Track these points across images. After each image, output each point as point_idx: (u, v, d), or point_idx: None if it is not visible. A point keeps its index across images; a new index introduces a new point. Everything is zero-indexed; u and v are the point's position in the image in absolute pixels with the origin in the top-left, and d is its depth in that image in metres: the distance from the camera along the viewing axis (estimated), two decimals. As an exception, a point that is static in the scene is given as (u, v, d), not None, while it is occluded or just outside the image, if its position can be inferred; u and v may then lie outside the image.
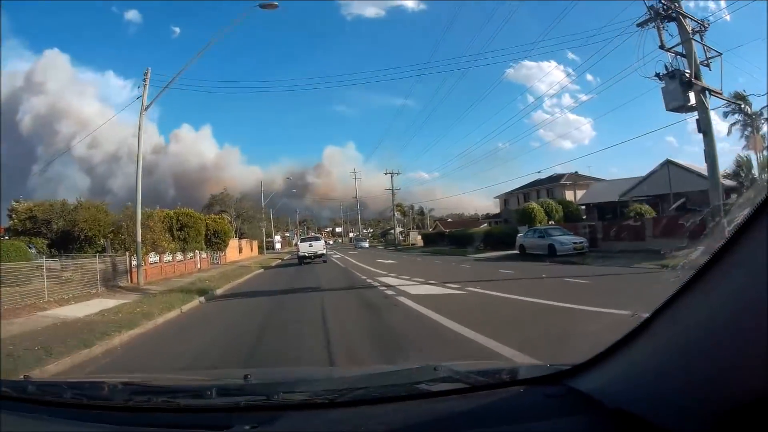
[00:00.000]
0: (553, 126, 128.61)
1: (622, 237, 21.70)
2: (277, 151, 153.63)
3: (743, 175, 28.36)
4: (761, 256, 0.69)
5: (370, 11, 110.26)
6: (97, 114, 71.35)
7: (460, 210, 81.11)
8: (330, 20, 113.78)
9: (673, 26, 14.56)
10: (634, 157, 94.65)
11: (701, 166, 27.36)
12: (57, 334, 7.59)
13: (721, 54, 14.84)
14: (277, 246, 59.44)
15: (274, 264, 29.14)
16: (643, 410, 0.89)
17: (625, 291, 7.93)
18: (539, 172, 46.36)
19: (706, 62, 14.77)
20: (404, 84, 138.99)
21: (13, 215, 24.12)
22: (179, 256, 23.28)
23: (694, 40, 14.69)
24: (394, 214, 58.08)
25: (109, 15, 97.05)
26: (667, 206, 25.85)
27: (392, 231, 62.59)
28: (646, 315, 0.93)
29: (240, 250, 40.60)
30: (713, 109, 14.54)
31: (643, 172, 30.53)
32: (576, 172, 41.45)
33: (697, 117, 14.41)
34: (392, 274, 14.75)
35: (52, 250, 20.58)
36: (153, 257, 19.62)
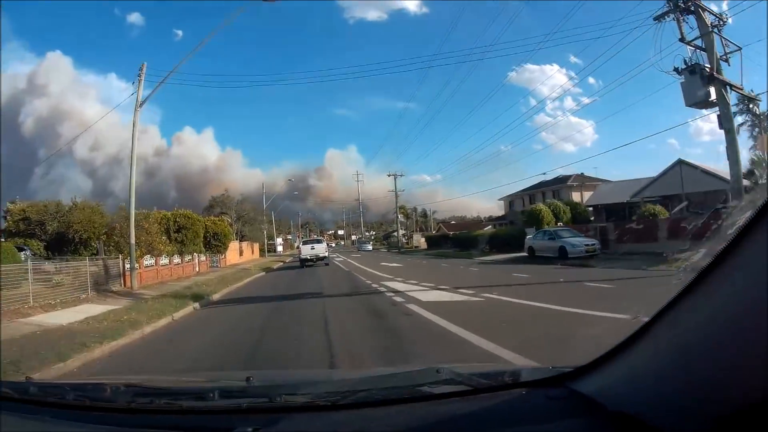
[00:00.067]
0: (556, 129, 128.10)
1: (635, 239, 21.00)
2: (278, 154, 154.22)
3: (758, 174, 27.61)
4: (762, 258, 0.69)
5: (372, 14, 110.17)
6: (98, 116, 71.07)
7: (462, 212, 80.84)
8: (332, 24, 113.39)
9: (690, 22, 14.04)
10: (637, 160, 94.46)
11: (710, 166, 26.83)
12: (33, 345, 6.91)
13: (741, 49, 14.22)
14: (279, 248, 58.92)
15: (275, 267, 28.44)
16: (644, 412, 0.89)
17: (658, 296, 7.10)
18: (544, 173, 45.93)
19: (725, 57, 14.13)
20: (406, 87, 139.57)
21: (8, 217, 23.56)
22: (177, 259, 22.52)
23: (715, 33, 14.07)
24: (397, 217, 57.33)
25: (111, 17, 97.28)
26: (681, 207, 25.16)
27: (395, 233, 61.89)
28: (645, 319, 0.93)
29: (241, 253, 39.89)
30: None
31: (645, 175, 30.14)
32: (582, 173, 40.87)
33: (717, 113, 13.84)
34: (398, 278, 13.93)
35: (48, 253, 20.10)
36: (148, 260, 18.85)
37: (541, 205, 31.44)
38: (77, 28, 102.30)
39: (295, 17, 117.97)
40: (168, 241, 21.21)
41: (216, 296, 13.14)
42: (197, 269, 25.13)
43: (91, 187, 72.56)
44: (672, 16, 14.23)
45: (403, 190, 55.31)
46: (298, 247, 33.51)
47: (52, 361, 5.78)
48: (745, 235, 0.73)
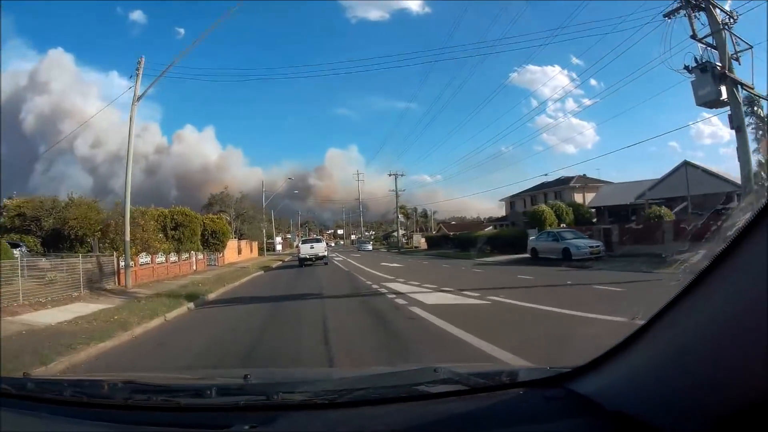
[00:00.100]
0: (557, 130, 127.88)
1: (640, 240, 20.69)
2: (279, 153, 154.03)
3: (764, 176, 27.36)
4: (761, 260, 0.69)
5: (374, 14, 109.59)
6: (100, 114, 70.65)
7: (462, 213, 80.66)
8: (334, 23, 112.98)
9: (700, 19, 13.74)
10: (637, 163, 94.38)
11: (713, 168, 26.55)
12: (15, 345, 6.55)
13: (752, 47, 13.90)
14: (278, 247, 58.57)
15: (274, 266, 28.02)
16: (643, 412, 0.89)
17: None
18: (546, 174, 45.58)
19: (735, 56, 13.80)
20: (407, 87, 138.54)
21: (3, 213, 23.21)
22: (173, 257, 22.11)
23: (727, 30, 13.76)
24: (397, 216, 56.91)
25: (113, 15, 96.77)
26: (685, 208, 24.89)
27: (395, 233, 61.45)
28: (641, 322, 0.93)
29: (239, 252, 39.48)
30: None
31: (645, 177, 30.01)
32: (584, 175, 40.57)
33: (729, 113, 13.53)
34: (400, 279, 13.53)
35: (44, 249, 19.77)
36: (144, 258, 18.45)
37: (543, 206, 31.15)
38: (79, 25, 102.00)
39: (296, 17, 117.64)
40: (165, 238, 20.78)
41: (212, 296, 12.75)
42: (194, 267, 24.72)
43: (92, 184, 72.29)
44: (683, 12, 13.90)
45: (404, 190, 55.03)
46: (297, 246, 33.11)
47: (33, 364, 5.40)
48: (745, 236, 0.73)
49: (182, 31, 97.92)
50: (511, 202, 47.53)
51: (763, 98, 21.25)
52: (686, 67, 13.72)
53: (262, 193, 49.28)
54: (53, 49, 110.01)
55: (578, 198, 37.31)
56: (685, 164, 27.28)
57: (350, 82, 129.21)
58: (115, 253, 16.03)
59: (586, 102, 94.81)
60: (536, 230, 27.13)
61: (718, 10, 13.63)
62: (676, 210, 24.89)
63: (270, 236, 55.95)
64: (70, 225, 19.52)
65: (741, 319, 0.72)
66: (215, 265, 29.16)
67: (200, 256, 26.72)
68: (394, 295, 9.73)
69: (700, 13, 13.80)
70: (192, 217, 23.91)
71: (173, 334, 7.61)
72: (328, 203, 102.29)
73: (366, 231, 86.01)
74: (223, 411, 1.25)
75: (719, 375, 0.74)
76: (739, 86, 13.44)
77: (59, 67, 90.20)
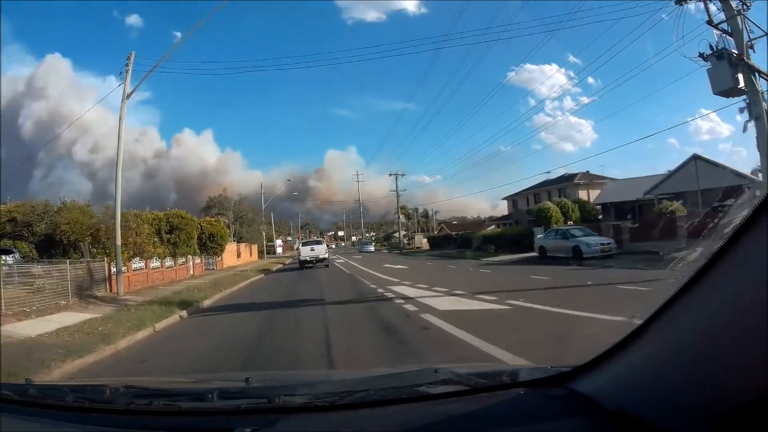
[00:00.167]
0: (555, 128, 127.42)
1: (652, 237, 20.04)
2: (278, 155, 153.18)
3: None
4: (760, 257, 0.69)
5: (371, 15, 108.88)
6: (98, 118, 69.90)
7: (461, 213, 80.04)
8: (330, 24, 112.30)
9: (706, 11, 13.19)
10: (636, 160, 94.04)
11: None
12: (-18, 364, 5.80)
13: (767, 34, 13.29)
14: (279, 250, 57.94)
15: (274, 269, 27.34)
16: (643, 411, 0.89)
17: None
18: (548, 172, 44.82)
19: (750, 43, 13.17)
20: (406, 87, 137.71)
21: (-4, 218, 22.55)
22: (169, 262, 21.37)
23: (743, 15, 13.13)
24: (398, 217, 56.16)
25: (110, 19, 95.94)
26: (695, 204, 24.29)
27: (395, 234, 60.67)
28: (639, 322, 0.93)
29: (238, 255, 38.76)
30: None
31: (644, 173, 29.59)
32: (588, 171, 39.92)
33: (747, 101, 12.90)
34: (406, 282, 12.75)
35: (37, 256, 19.16)
36: (138, 263, 17.71)
37: (549, 204, 30.50)
38: (76, 30, 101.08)
39: (292, 17, 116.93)
40: (160, 242, 20.03)
41: (207, 302, 12.01)
42: (191, 272, 23.97)
43: (91, 189, 71.45)
44: (697, -4, 13.31)
45: (405, 190, 54.29)
46: (297, 249, 32.45)
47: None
48: (743, 233, 0.72)
49: (179, 35, 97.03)
50: (514, 200, 46.88)
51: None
52: (701, 55, 13.09)
53: (261, 196, 48.45)
54: (51, 54, 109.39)
55: (582, 195, 36.73)
56: (695, 158, 26.68)
57: (349, 84, 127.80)
58: (106, 259, 15.30)
59: (585, 100, 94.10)
60: (542, 228, 26.60)
61: (733, -5, 13.06)
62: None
63: (270, 239, 55.21)
64: (62, 230, 18.80)
65: (740, 318, 0.71)
66: (213, 269, 28.42)
67: (197, 260, 25.98)
68: (402, 300, 8.94)
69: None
70: (188, 220, 23.13)
71: (160, 348, 6.89)
72: (328, 205, 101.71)
73: (366, 232, 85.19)
74: (225, 414, 1.25)
75: (719, 374, 0.73)
76: (756, 74, 12.83)
77: (57, 72, 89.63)
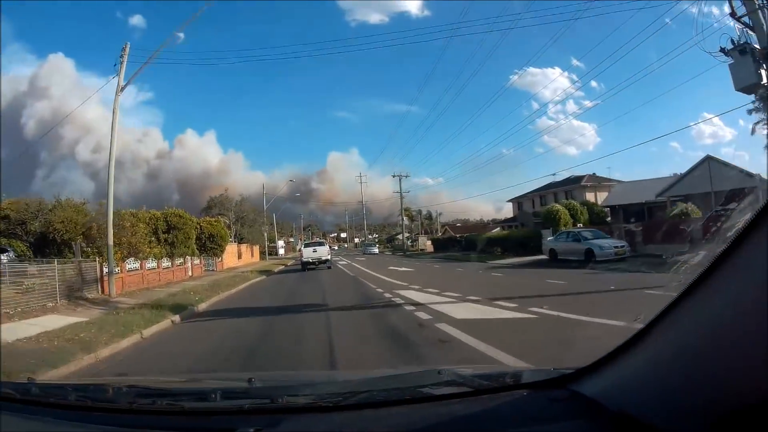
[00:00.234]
0: (558, 132, 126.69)
1: (665, 239, 19.33)
2: (280, 157, 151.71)
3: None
4: (762, 261, 0.68)
5: (375, 17, 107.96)
6: (100, 118, 69.41)
7: (464, 215, 79.40)
8: (333, 27, 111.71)
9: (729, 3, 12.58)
10: (639, 164, 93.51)
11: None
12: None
13: (790, 28, 12.61)
14: (281, 251, 57.32)
15: (275, 270, 26.63)
16: (646, 413, 0.88)
17: None
18: (554, 174, 44.07)
19: (768, 39, 12.49)
20: (408, 90, 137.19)
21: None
22: (166, 262, 20.67)
23: (766, 8, 12.44)
24: (402, 219, 55.39)
25: (113, 20, 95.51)
26: (708, 206, 23.57)
27: (399, 236, 59.93)
28: (640, 326, 0.92)
29: (239, 256, 38.08)
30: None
31: (648, 177, 29.00)
32: (594, 173, 39.19)
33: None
34: (414, 286, 11.97)
35: (34, 254, 18.62)
36: (132, 263, 17.03)
37: (557, 206, 29.83)
38: (79, 30, 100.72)
39: (295, 19, 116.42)
40: (157, 242, 19.36)
41: (203, 306, 11.30)
42: (189, 273, 23.26)
43: (94, 189, 70.97)
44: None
45: (408, 192, 53.57)
46: (299, 250, 31.81)
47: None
48: (745, 237, 0.72)
49: (182, 35, 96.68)
50: (519, 202, 46.17)
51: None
52: (722, 50, 12.42)
53: (263, 197, 47.72)
54: (53, 54, 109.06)
55: (590, 197, 36.03)
56: (708, 159, 26.02)
57: (351, 85, 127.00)
58: (98, 259, 14.63)
59: (588, 104, 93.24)
60: (550, 231, 25.98)
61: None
62: (702, 207, 23.64)
63: (272, 240, 54.53)
64: (56, 228, 18.20)
65: (741, 320, 0.71)
66: (213, 270, 27.72)
67: (196, 261, 25.29)
68: (412, 307, 8.15)
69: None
70: (186, 220, 22.45)
71: (144, 359, 6.21)
72: (331, 207, 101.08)
73: (369, 234, 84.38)
74: (228, 414, 1.23)
75: (721, 375, 0.73)
76: (778, 70, 12.16)
77: (59, 71, 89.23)
